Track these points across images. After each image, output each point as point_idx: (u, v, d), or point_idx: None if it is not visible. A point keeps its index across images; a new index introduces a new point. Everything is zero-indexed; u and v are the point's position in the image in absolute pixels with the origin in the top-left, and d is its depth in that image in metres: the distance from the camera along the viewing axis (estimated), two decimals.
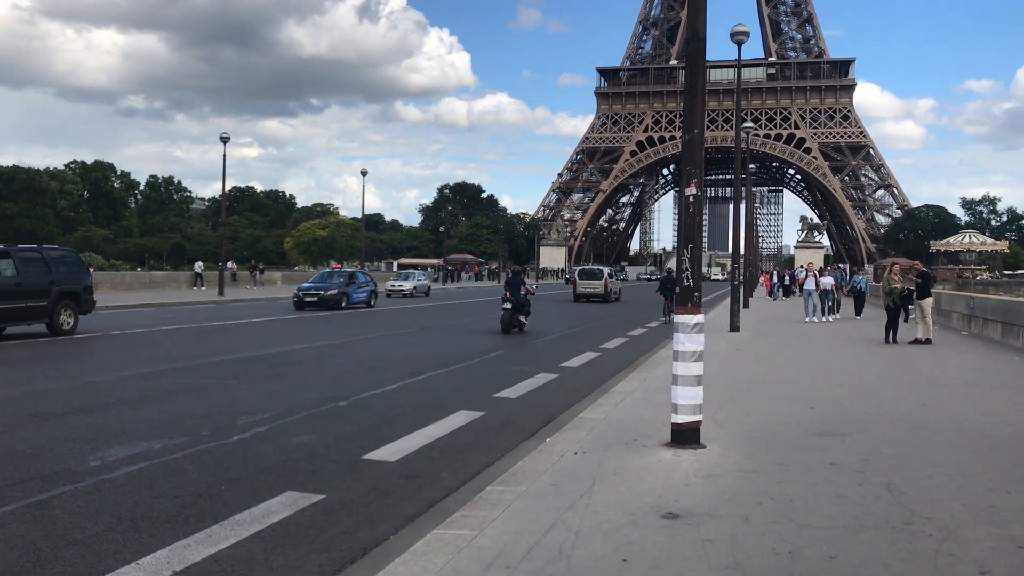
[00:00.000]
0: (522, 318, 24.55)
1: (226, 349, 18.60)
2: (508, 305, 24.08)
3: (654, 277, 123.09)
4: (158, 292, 46.57)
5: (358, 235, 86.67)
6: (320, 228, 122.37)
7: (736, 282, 27.03)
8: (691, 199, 8.55)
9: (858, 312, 30.60)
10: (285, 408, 10.95)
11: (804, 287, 29.61)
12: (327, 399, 11.73)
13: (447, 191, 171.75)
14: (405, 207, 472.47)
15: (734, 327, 24.02)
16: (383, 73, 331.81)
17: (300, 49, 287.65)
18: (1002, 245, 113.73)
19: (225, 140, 45.41)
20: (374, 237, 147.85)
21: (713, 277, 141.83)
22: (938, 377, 14.59)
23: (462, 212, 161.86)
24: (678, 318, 8.54)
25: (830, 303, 28.96)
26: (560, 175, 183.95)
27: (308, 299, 34.41)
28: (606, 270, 49.38)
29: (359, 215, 76.82)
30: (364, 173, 64.25)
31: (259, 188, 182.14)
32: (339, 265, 59.60)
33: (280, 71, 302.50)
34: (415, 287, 51.92)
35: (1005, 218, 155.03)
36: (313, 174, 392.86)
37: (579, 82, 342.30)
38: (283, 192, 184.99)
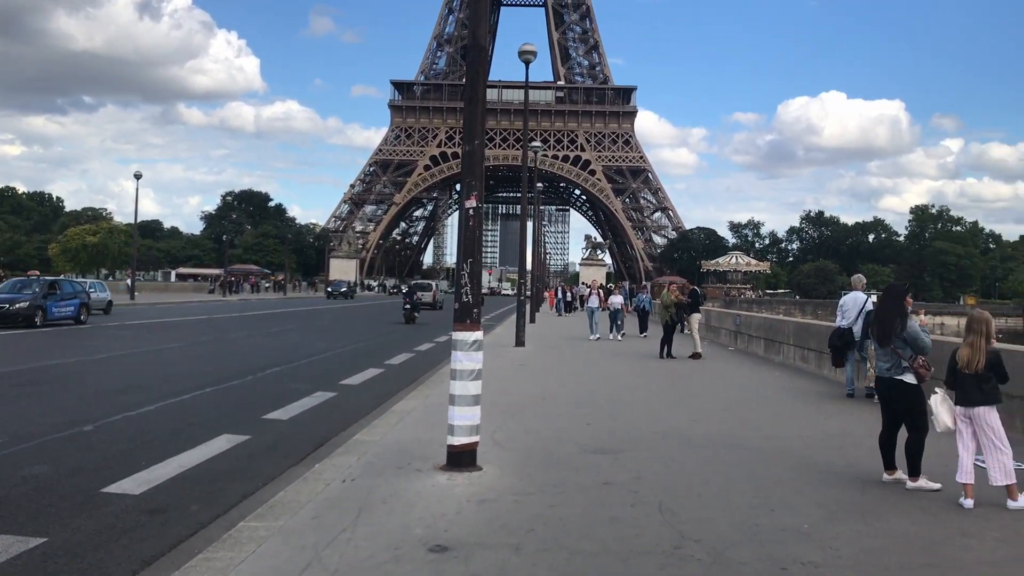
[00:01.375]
0: (416, 314, 37.77)
1: None
2: (408, 306, 37.70)
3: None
4: None
5: (133, 242, 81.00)
6: (91, 234, 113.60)
7: (522, 297, 27.26)
8: (471, 211, 8.25)
9: (642, 330, 31.26)
10: (16, 435, 9.65)
11: (587, 304, 30.19)
12: (70, 423, 10.48)
13: (231, 198, 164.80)
14: (187, 214, 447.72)
15: (520, 342, 24.17)
16: (165, 73, 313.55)
17: (71, 42, 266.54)
18: (764, 266, 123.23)
19: None
20: (151, 245, 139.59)
21: (504, 292, 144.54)
22: (708, 392, 15.15)
23: (248, 221, 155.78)
24: (456, 335, 8.20)
25: (619, 321, 29.40)
26: (352, 186, 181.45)
27: None
28: (434, 283, 62.45)
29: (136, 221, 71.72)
30: (138, 176, 60.23)
31: (21, 189, 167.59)
32: (36, 272, 53.58)
33: (48, 64, 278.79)
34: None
35: (767, 241, 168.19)
36: (85, 176, 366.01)
37: (373, 94, 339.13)
38: (50, 194, 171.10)
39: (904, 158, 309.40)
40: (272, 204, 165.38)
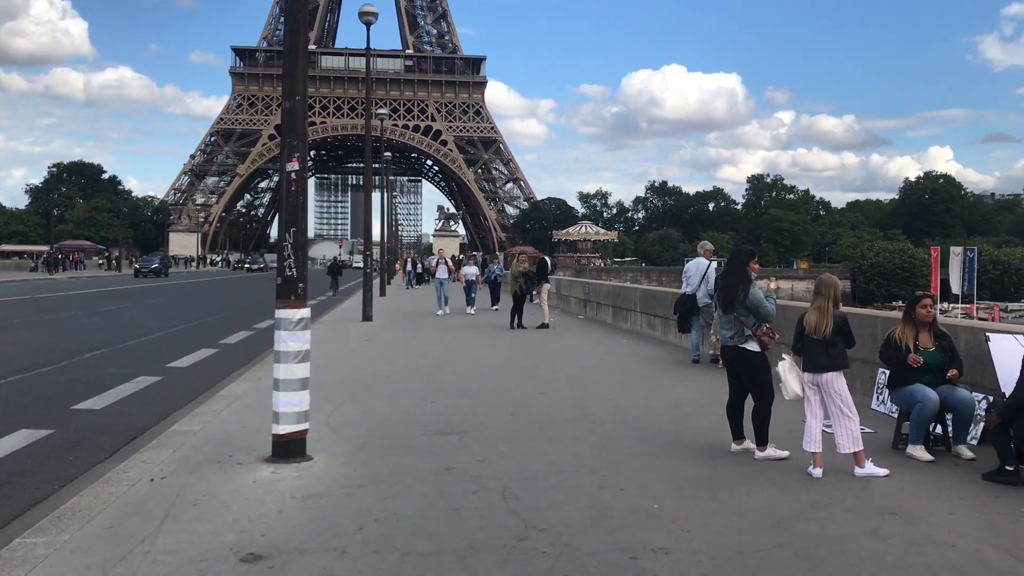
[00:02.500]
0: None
1: None
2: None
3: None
4: None
5: None
6: None
7: (368, 270, 26.29)
8: (293, 175, 7.46)
9: (494, 302, 30.17)
10: None
11: (436, 276, 28.86)
12: None
13: (59, 170, 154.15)
14: (10, 187, 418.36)
15: (367, 316, 23.35)
16: None
17: None
18: (612, 235, 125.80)
19: None
20: None
21: (355, 265, 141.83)
22: (557, 363, 14.85)
23: (79, 194, 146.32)
24: (279, 313, 7.44)
25: (473, 294, 28.20)
26: (193, 157, 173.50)
27: None
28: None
29: None
30: None
31: None
32: None
33: None
34: None
35: (615, 211, 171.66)
36: None
37: (212, 61, 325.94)
38: None
39: (740, 129, 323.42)
40: (106, 176, 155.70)
